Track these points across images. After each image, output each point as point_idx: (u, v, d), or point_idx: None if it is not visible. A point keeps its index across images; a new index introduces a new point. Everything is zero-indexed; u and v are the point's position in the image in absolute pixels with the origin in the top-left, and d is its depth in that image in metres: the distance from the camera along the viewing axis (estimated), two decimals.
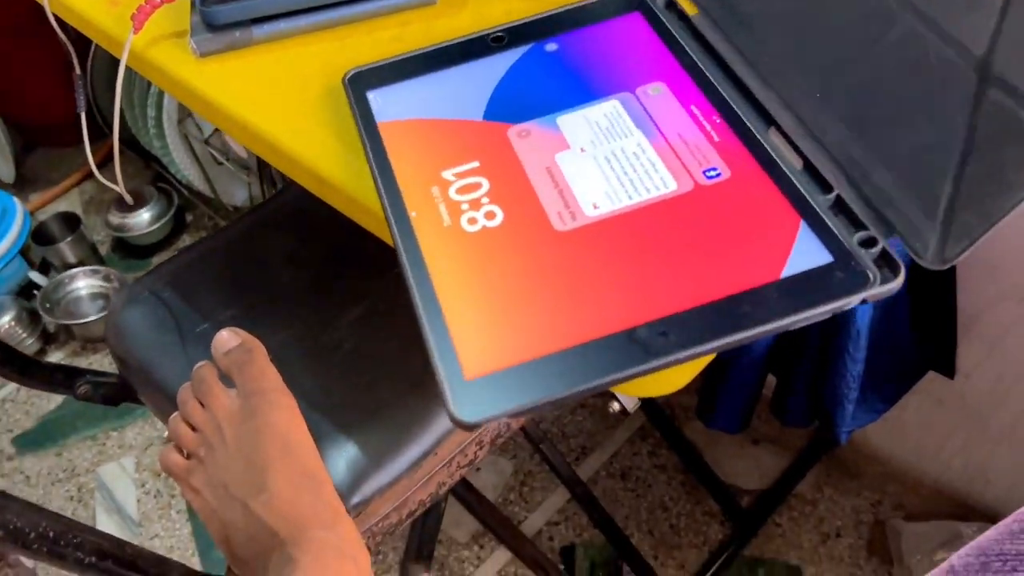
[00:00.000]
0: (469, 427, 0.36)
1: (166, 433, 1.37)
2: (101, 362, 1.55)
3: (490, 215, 0.43)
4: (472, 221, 0.43)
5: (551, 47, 0.52)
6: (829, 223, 0.39)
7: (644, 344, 0.37)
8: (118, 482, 1.38)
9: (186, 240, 1.75)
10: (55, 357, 1.57)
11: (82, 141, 0.66)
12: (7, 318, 1.52)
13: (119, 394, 0.89)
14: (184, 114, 1.45)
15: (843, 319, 0.85)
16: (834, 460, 1.29)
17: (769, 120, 0.45)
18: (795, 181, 0.41)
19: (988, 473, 1.15)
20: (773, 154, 0.43)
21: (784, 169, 0.42)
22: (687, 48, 0.49)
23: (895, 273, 0.37)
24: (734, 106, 0.45)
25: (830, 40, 0.46)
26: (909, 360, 0.98)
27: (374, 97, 0.51)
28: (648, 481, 1.30)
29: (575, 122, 0.47)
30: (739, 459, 1.30)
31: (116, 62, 0.59)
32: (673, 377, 0.42)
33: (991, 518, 1.15)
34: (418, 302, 0.40)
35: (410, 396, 0.69)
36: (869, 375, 0.91)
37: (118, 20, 0.62)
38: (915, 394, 1.02)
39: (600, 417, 1.38)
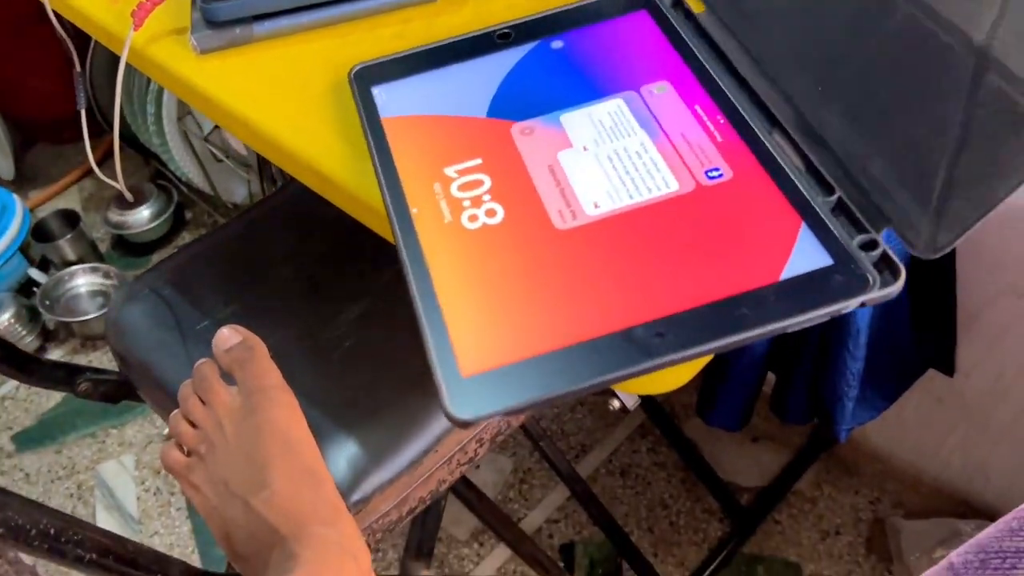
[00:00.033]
0: (464, 424, 0.36)
1: (166, 430, 1.37)
2: (101, 359, 1.55)
3: (491, 212, 0.43)
4: (473, 218, 0.43)
5: (557, 44, 0.51)
6: (830, 225, 0.39)
7: (640, 344, 0.37)
8: (118, 480, 1.38)
9: (185, 238, 1.75)
10: (55, 354, 1.57)
11: (81, 138, 0.66)
12: (6, 315, 1.52)
13: (119, 391, 0.89)
14: (184, 111, 1.45)
15: (843, 317, 0.85)
16: (833, 458, 1.29)
17: (773, 120, 0.45)
18: (797, 182, 0.41)
19: (987, 471, 1.15)
20: (776, 155, 0.43)
21: (786, 170, 0.42)
22: (692, 47, 0.49)
23: (895, 276, 0.37)
24: (738, 106, 0.45)
25: (832, 31, 0.46)
26: (909, 358, 0.98)
27: (379, 92, 0.51)
28: (648, 479, 1.30)
29: (579, 120, 0.47)
30: (738, 457, 1.31)
31: (116, 59, 0.58)
32: (673, 375, 0.42)
33: (990, 516, 1.15)
34: (417, 299, 0.40)
35: (410, 394, 0.69)
36: (869, 373, 0.91)
37: (118, 17, 0.61)
38: (914, 392, 1.02)
39: (600, 415, 1.38)
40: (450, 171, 0.46)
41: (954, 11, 0.39)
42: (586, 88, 0.48)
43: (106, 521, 1.33)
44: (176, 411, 0.57)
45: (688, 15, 0.51)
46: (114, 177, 0.70)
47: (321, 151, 0.51)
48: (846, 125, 0.43)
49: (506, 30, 0.53)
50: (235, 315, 0.76)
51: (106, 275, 1.60)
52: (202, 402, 0.56)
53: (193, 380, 0.57)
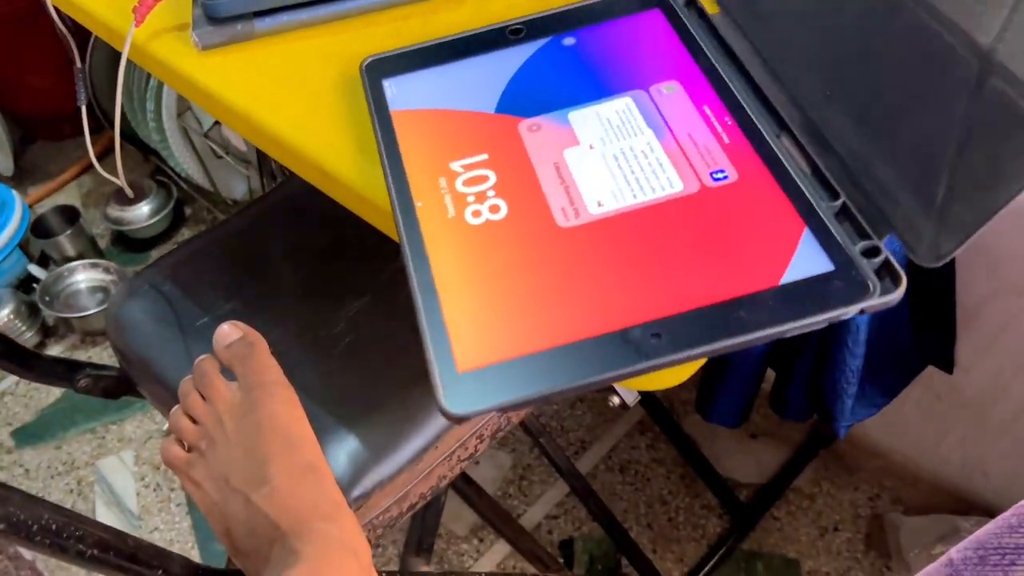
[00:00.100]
0: (458, 420, 0.36)
1: (166, 426, 1.37)
2: (100, 355, 1.55)
3: (494, 208, 0.43)
4: (476, 214, 0.43)
5: (568, 41, 0.51)
6: (833, 230, 0.39)
7: (636, 345, 0.37)
8: (117, 475, 1.38)
9: (185, 234, 1.75)
10: (54, 350, 1.57)
11: (80, 134, 0.66)
12: (6, 311, 1.52)
13: (119, 387, 0.89)
14: (183, 107, 1.45)
15: None
16: (832, 454, 1.29)
17: (781, 123, 0.44)
18: (802, 186, 0.41)
19: (986, 467, 1.15)
20: (782, 158, 0.42)
21: (792, 174, 0.42)
22: (704, 47, 0.49)
23: (896, 284, 0.37)
24: (747, 108, 0.45)
25: (842, 35, 0.45)
26: (908, 355, 0.98)
27: (389, 85, 0.51)
28: (647, 475, 1.30)
29: (586, 118, 0.47)
30: (738, 453, 1.31)
31: (115, 55, 0.58)
32: (673, 372, 0.42)
33: (989, 512, 1.15)
34: (417, 293, 0.40)
35: (411, 389, 0.69)
36: (868, 370, 0.91)
37: (120, 13, 0.61)
38: (914, 388, 1.02)
39: (599, 411, 1.38)
40: (456, 166, 0.46)
41: (961, 15, 0.39)
42: (595, 86, 0.48)
43: (106, 517, 1.33)
44: (176, 407, 0.57)
45: (701, 15, 0.51)
46: (114, 173, 0.70)
47: (322, 146, 0.51)
48: (852, 129, 0.42)
49: (518, 26, 0.53)
50: (235, 311, 0.76)
51: (106, 271, 1.60)
52: (202, 398, 0.56)
53: (193, 376, 0.57)
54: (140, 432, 1.43)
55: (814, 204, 0.40)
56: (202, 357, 0.58)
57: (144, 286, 0.79)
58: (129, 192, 0.76)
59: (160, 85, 1.39)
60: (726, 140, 0.44)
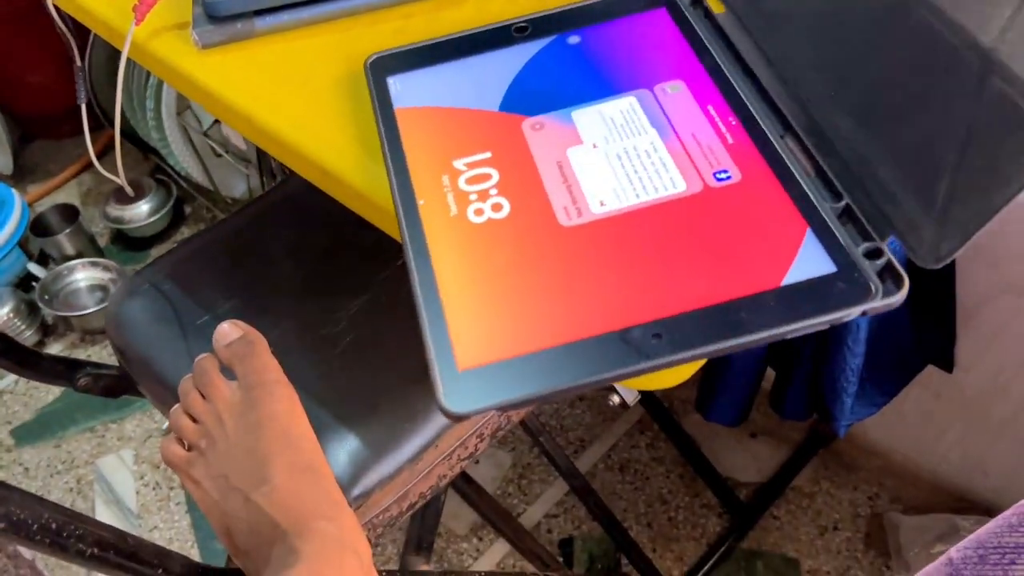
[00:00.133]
0: (457, 418, 0.36)
1: (165, 425, 1.37)
2: (100, 354, 1.55)
3: (497, 207, 0.43)
4: (479, 212, 0.43)
5: (574, 40, 0.51)
6: (835, 232, 0.39)
7: (636, 345, 0.36)
8: (117, 474, 1.38)
9: (184, 232, 1.75)
10: (54, 349, 1.57)
11: (79, 132, 0.66)
12: (6, 310, 1.52)
13: (119, 386, 0.89)
14: (183, 106, 1.45)
15: None
16: (832, 453, 1.29)
17: (785, 124, 0.44)
18: (805, 187, 0.41)
19: (986, 466, 1.15)
20: (786, 159, 0.42)
21: (795, 174, 0.42)
22: (709, 47, 0.49)
23: (898, 286, 0.37)
24: (751, 108, 0.45)
25: (846, 36, 0.45)
26: (908, 354, 0.98)
27: (393, 82, 0.51)
28: (646, 474, 1.30)
29: (590, 117, 0.47)
30: (737, 452, 1.31)
31: (115, 54, 0.58)
32: (673, 371, 0.42)
33: (989, 511, 1.15)
34: (418, 291, 0.40)
35: (411, 388, 0.69)
36: (868, 369, 0.91)
37: (120, 11, 0.61)
38: (913, 387, 1.02)
39: (599, 410, 1.38)
40: (459, 164, 0.46)
41: (964, 14, 0.38)
42: (600, 85, 0.48)
43: (105, 515, 1.33)
44: (176, 406, 0.57)
45: (707, 14, 0.51)
46: (113, 171, 0.70)
47: (322, 146, 0.51)
48: (855, 130, 0.42)
49: (523, 24, 0.53)
50: (235, 310, 0.76)
51: (105, 269, 1.60)
52: (202, 397, 0.56)
53: (193, 375, 0.57)
54: (140, 431, 1.43)
55: (817, 205, 0.40)
56: (202, 356, 0.58)
57: (144, 285, 0.79)
58: (129, 190, 0.76)
59: (160, 83, 1.39)
60: (730, 140, 0.44)
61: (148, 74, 1.39)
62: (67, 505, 1.11)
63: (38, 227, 1.62)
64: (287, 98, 0.54)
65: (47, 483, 1.38)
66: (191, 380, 0.57)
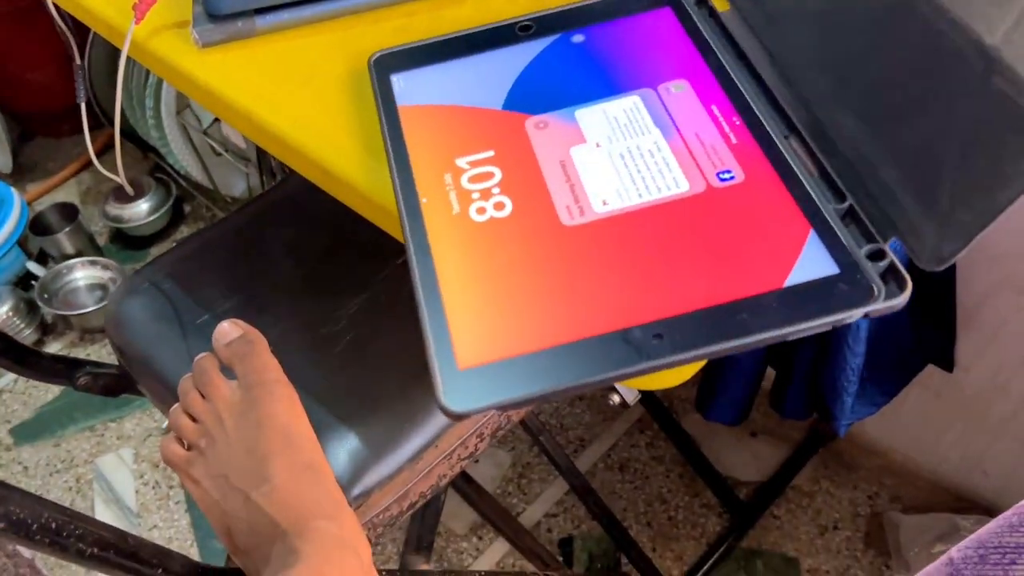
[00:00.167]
0: (456, 417, 0.36)
1: (165, 424, 1.36)
2: (99, 353, 1.55)
3: (499, 206, 0.43)
4: (481, 211, 0.43)
5: (578, 39, 0.51)
6: (839, 233, 0.39)
7: (637, 346, 0.36)
8: (116, 473, 1.38)
9: (184, 231, 1.75)
10: (53, 348, 1.57)
11: (79, 131, 0.66)
12: (5, 309, 1.52)
13: (118, 385, 0.88)
14: (182, 105, 1.45)
15: None
16: (831, 452, 1.29)
17: (789, 124, 0.44)
18: (809, 188, 0.41)
19: (985, 465, 1.15)
20: (789, 159, 0.42)
21: (799, 175, 0.41)
22: (714, 46, 0.49)
23: (901, 288, 0.36)
24: (755, 108, 0.45)
25: (851, 36, 0.45)
26: (908, 353, 0.98)
27: (397, 80, 0.51)
28: (646, 473, 1.30)
29: (593, 116, 0.46)
30: (737, 451, 1.31)
31: (114, 52, 0.58)
32: (674, 372, 0.42)
33: (988, 511, 1.15)
34: (419, 289, 0.40)
35: (411, 387, 0.69)
36: (869, 368, 0.91)
37: (119, 10, 0.61)
38: (913, 386, 1.02)
39: (598, 409, 1.38)
40: (462, 162, 0.45)
41: (970, 14, 0.38)
42: (604, 84, 0.48)
43: (104, 514, 1.33)
44: (176, 405, 0.57)
45: (712, 13, 0.51)
46: (113, 170, 0.70)
47: (323, 144, 0.51)
48: (859, 131, 0.42)
49: (528, 22, 0.52)
50: (235, 309, 0.76)
51: (104, 268, 1.60)
52: (202, 396, 0.56)
53: (193, 374, 0.57)
54: (139, 430, 1.43)
55: (820, 206, 0.40)
56: (202, 355, 0.58)
57: (144, 283, 0.79)
58: (129, 189, 0.76)
59: (159, 82, 1.39)
60: (734, 140, 0.44)
61: (147, 73, 1.39)
62: (66, 504, 1.11)
63: (37, 226, 1.62)
64: (288, 97, 0.54)
65: (46, 482, 1.38)
66: (191, 379, 0.57)
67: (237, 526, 0.52)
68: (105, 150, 1.80)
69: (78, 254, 1.62)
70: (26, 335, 1.55)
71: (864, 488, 1.25)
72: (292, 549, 0.49)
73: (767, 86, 0.46)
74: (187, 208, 1.77)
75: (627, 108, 0.46)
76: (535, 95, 0.48)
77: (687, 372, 0.42)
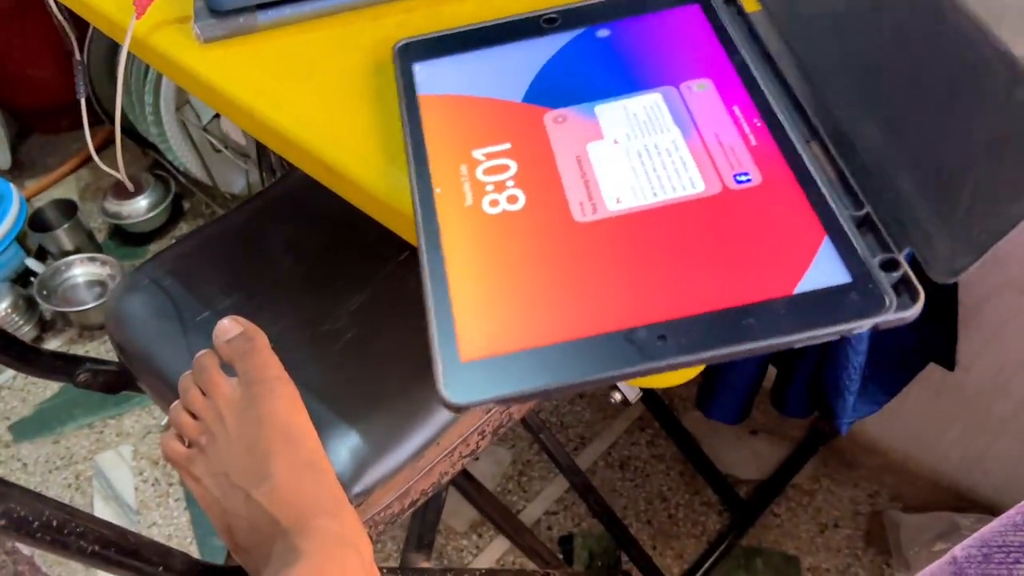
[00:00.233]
0: (456, 409, 0.36)
1: (164, 421, 1.36)
2: (98, 350, 1.54)
3: (512, 199, 0.43)
4: (494, 203, 0.43)
5: (603, 33, 0.50)
6: (853, 241, 0.38)
7: (640, 346, 0.36)
8: (116, 470, 1.38)
9: (183, 228, 1.74)
10: (52, 345, 1.57)
11: (77, 127, 0.66)
12: (4, 305, 1.51)
13: (118, 382, 0.88)
14: (182, 101, 1.44)
15: None
16: (832, 451, 1.29)
17: (811, 128, 0.43)
18: (826, 194, 0.40)
19: (986, 464, 1.15)
20: (808, 164, 0.41)
21: (817, 180, 0.41)
22: (739, 46, 0.48)
23: (913, 300, 0.36)
24: (777, 111, 0.44)
25: (878, 40, 0.44)
26: (910, 352, 0.98)
27: (419, 69, 0.51)
28: (646, 471, 1.30)
29: (613, 112, 0.46)
30: (737, 450, 1.31)
31: (113, 48, 0.58)
32: (678, 371, 0.41)
33: (989, 510, 1.15)
34: (427, 280, 0.40)
35: (412, 385, 0.69)
36: (870, 366, 0.91)
37: (120, 5, 0.61)
38: (913, 385, 1.02)
39: (599, 407, 1.38)
40: (478, 154, 0.45)
41: (1000, 25, 0.38)
42: (626, 80, 0.48)
43: (104, 511, 1.33)
44: (177, 402, 0.57)
45: (740, 12, 0.50)
46: (113, 166, 0.70)
47: (325, 140, 0.51)
48: (880, 137, 0.41)
49: (553, 15, 0.52)
50: (236, 306, 0.75)
51: (103, 265, 1.59)
52: (203, 393, 0.56)
53: (194, 371, 0.57)
54: (138, 427, 1.43)
55: (836, 213, 0.39)
56: (202, 352, 0.57)
57: (144, 280, 0.79)
58: (129, 185, 0.75)
59: (159, 78, 1.38)
60: (753, 142, 0.43)
61: (147, 69, 1.39)
62: (65, 501, 1.11)
63: (36, 222, 1.62)
64: (289, 93, 0.54)
65: (45, 479, 1.38)
66: (191, 376, 0.57)
67: (238, 524, 0.52)
68: (104, 146, 1.79)
69: (77, 251, 1.62)
70: (25, 332, 1.55)
71: (864, 487, 1.25)
72: (293, 547, 0.49)
73: (791, 89, 0.45)
74: (186, 205, 1.77)
75: (648, 105, 0.46)
76: (556, 89, 0.48)
77: (690, 371, 0.42)
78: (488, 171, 0.44)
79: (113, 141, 0.66)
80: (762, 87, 0.46)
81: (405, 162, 0.48)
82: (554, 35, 0.51)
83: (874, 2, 0.45)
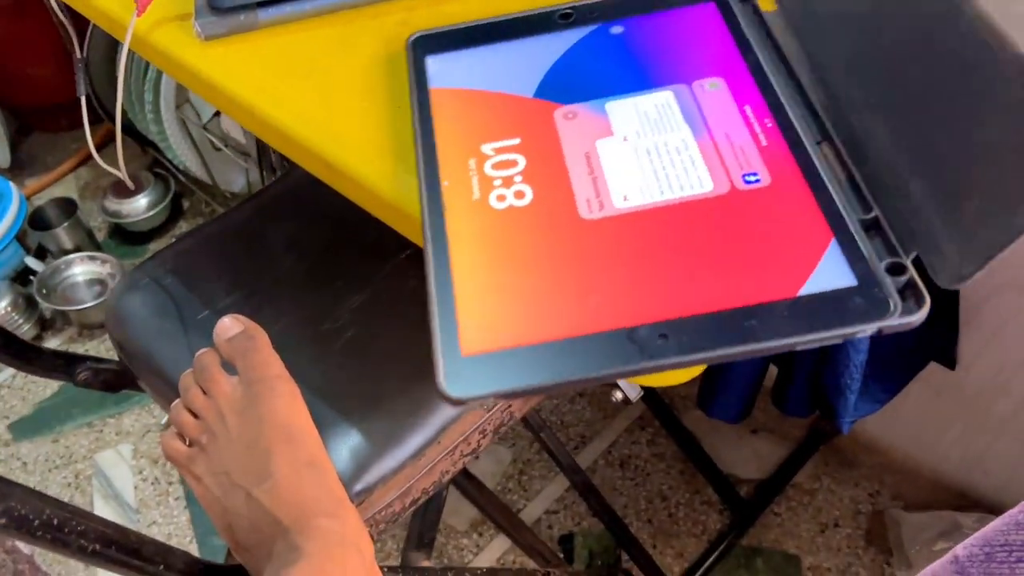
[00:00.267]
0: (454, 402, 0.36)
1: (164, 420, 1.36)
2: (97, 348, 1.54)
3: (520, 194, 0.43)
4: (501, 198, 0.43)
5: (617, 30, 0.50)
6: (860, 245, 0.38)
7: (641, 345, 0.36)
8: (115, 469, 1.38)
9: (183, 226, 1.74)
10: (52, 343, 1.57)
11: (77, 126, 0.66)
12: (3, 304, 1.51)
13: (119, 380, 0.88)
14: (182, 99, 1.44)
15: None
16: (832, 450, 1.29)
17: (823, 130, 0.43)
18: (835, 196, 0.40)
19: (986, 463, 1.15)
20: (818, 166, 0.41)
21: (826, 183, 0.40)
22: (754, 45, 0.48)
23: (919, 305, 0.35)
24: (789, 112, 0.44)
25: (894, 44, 0.44)
26: (912, 351, 0.98)
27: (432, 62, 0.51)
28: (647, 470, 1.30)
29: (624, 109, 0.46)
30: (738, 449, 1.31)
31: (113, 46, 0.58)
32: (679, 370, 0.41)
33: (990, 509, 1.15)
34: (431, 273, 0.40)
35: (413, 384, 0.69)
36: (872, 365, 0.91)
37: (121, 2, 0.61)
38: (914, 384, 1.02)
39: (599, 406, 1.38)
40: (487, 148, 0.45)
41: (1019, 30, 0.37)
42: (638, 77, 0.47)
43: (103, 510, 1.33)
44: (177, 401, 0.57)
45: (756, 11, 0.50)
46: (113, 164, 0.69)
47: (326, 138, 0.51)
48: (892, 141, 0.41)
49: (568, 10, 0.52)
50: (236, 304, 0.75)
51: (103, 263, 1.59)
52: (203, 392, 0.56)
53: (194, 370, 0.57)
54: (138, 426, 1.43)
55: (844, 216, 0.39)
56: (203, 351, 0.57)
57: (144, 279, 0.79)
58: (129, 183, 0.75)
59: (159, 76, 1.38)
60: (763, 143, 0.43)
61: (147, 67, 1.39)
62: (65, 500, 1.11)
63: (36, 221, 1.61)
64: (290, 90, 0.54)
65: (45, 478, 1.38)
66: (192, 375, 0.57)
67: (239, 523, 0.52)
68: (103, 145, 1.79)
69: (76, 249, 1.62)
70: (25, 331, 1.54)
71: (865, 486, 1.25)
72: (294, 546, 0.49)
73: (804, 90, 0.45)
74: (186, 204, 1.77)
75: (659, 103, 0.46)
76: (568, 85, 0.48)
77: (691, 371, 0.42)
78: (496, 166, 0.44)
79: (112, 139, 0.66)
80: (775, 87, 0.45)
81: (406, 159, 0.48)
82: (568, 31, 0.51)
83: (891, 5, 0.45)
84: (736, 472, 1.28)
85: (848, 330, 0.35)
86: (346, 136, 0.50)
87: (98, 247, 1.67)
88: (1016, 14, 0.40)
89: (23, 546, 1.28)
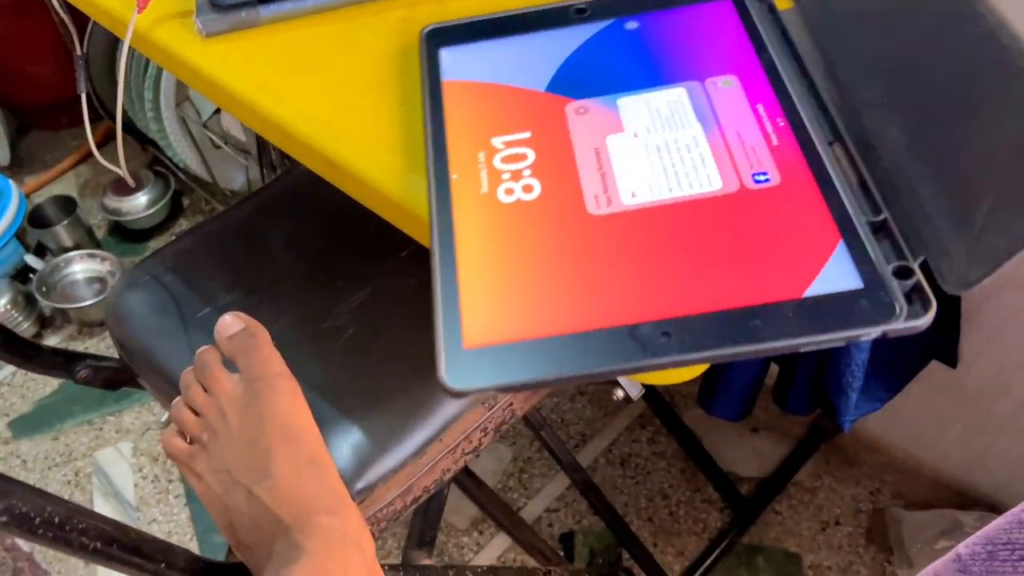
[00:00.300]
0: (454, 394, 0.36)
1: (164, 417, 1.36)
2: (97, 346, 1.54)
3: (528, 188, 0.43)
4: (509, 192, 0.43)
5: (632, 25, 0.50)
6: (868, 247, 0.37)
7: (643, 342, 0.36)
8: (115, 467, 1.38)
9: (182, 224, 1.74)
10: (52, 341, 1.57)
11: (77, 123, 0.66)
12: (3, 302, 1.51)
13: (119, 378, 0.88)
14: (182, 97, 1.44)
15: None
16: (833, 448, 1.29)
17: (835, 131, 0.43)
18: (844, 197, 0.40)
19: (987, 462, 1.15)
20: (829, 166, 0.41)
21: (836, 184, 0.40)
22: (768, 44, 0.47)
23: (925, 309, 0.35)
24: (801, 111, 0.44)
25: (910, 46, 0.44)
26: (913, 349, 0.98)
27: (445, 54, 0.51)
28: (647, 468, 1.30)
29: (635, 106, 0.46)
30: (738, 447, 1.31)
31: (113, 43, 0.58)
32: (682, 368, 0.41)
33: (990, 507, 1.15)
34: (437, 265, 0.40)
35: (414, 382, 0.69)
36: (873, 364, 0.91)
37: None
38: (915, 383, 1.02)
39: (600, 404, 1.38)
40: (497, 142, 0.45)
41: None
42: (651, 73, 0.47)
43: (103, 508, 1.33)
44: (178, 399, 0.57)
45: (771, 10, 0.50)
46: (113, 162, 0.69)
47: (327, 134, 0.50)
48: (904, 143, 0.41)
49: (583, 5, 0.52)
50: (237, 302, 0.75)
51: (103, 261, 1.59)
52: (204, 390, 0.56)
53: (195, 367, 0.57)
54: (138, 423, 1.43)
55: (853, 217, 0.39)
56: (204, 348, 0.57)
57: (145, 277, 0.79)
58: (130, 181, 0.75)
59: (159, 74, 1.38)
60: (775, 142, 0.43)
61: (147, 64, 1.38)
62: (65, 498, 1.11)
63: (35, 218, 1.61)
64: (291, 87, 0.53)
65: (45, 476, 1.38)
66: (192, 373, 0.57)
67: (239, 521, 0.52)
68: (103, 143, 1.79)
69: (76, 247, 1.62)
70: (24, 328, 1.54)
71: (866, 484, 1.25)
72: (295, 544, 0.49)
73: (817, 90, 0.45)
74: (186, 201, 1.76)
75: (671, 100, 0.46)
76: (580, 79, 0.47)
77: (694, 369, 0.42)
78: (506, 159, 0.44)
79: (112, 137, 0.66)
80: (788, 87, 0.45)
81: (408, 154, 0.48)
82: (582, 25, 0.51)
83: (907, 6, 0.44)
84: (737, 470, 1.28)
85: (853, 333, 0.35)
86: (348, 133, 0.50)
87: (98, 245, 1.67)
88: None
89: (23, 544, 1.28)
